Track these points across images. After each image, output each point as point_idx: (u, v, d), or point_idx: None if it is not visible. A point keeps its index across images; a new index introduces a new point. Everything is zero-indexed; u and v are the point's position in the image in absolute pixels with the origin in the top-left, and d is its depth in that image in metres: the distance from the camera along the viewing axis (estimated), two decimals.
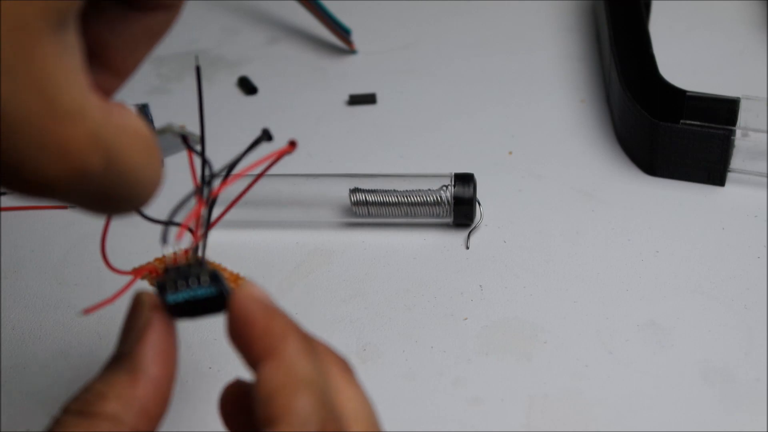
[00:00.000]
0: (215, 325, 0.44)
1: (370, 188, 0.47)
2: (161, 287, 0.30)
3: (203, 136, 0.33)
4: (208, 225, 0.33)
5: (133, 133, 0.26)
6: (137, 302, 0.30)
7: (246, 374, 0.42)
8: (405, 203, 0.47)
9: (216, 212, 0.34)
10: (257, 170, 0.33)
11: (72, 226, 0.50)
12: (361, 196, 0.47)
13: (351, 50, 0.62)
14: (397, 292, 0.45)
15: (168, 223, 0.31)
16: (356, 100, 0.58)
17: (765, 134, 0.48)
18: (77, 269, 0.47)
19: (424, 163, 0.53)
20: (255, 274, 0.46)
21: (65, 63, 0.23)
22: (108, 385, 0.29)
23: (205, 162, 0.32)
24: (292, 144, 0.32)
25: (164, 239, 0.30)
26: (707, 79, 0.57)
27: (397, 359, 0.42)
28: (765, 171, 0.49)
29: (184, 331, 0.43)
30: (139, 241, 0.47)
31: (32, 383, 0.41)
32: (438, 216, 0.48)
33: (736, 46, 0.61)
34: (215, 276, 0.30)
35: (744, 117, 0.48)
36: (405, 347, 0.42)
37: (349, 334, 0.43)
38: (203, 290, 0.30)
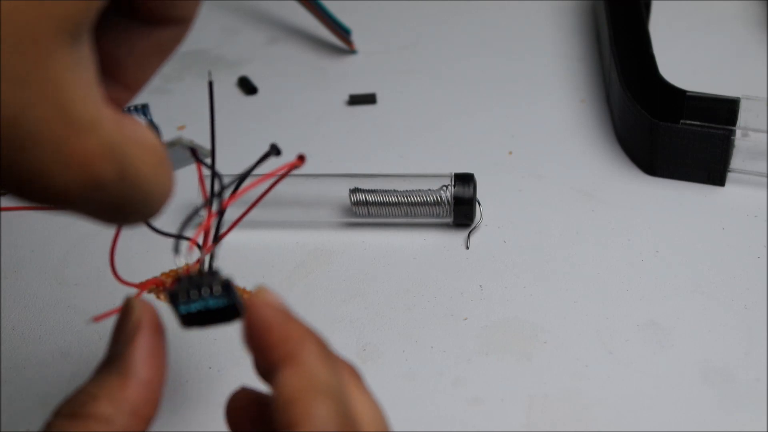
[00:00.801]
0: None
1: (370, 188, 0.47)
2: (173, 297, 0.30)
3: (214, 150, 0.33)
4: (218, 236, 0.33)
5: (145, 145, 0.26)
6: (127, 307, 0.31)
7: (246, 376, 0.42)
8: (405, 203, 0.47)
9: (220, 226, 0.34)
10: (265, 182, 0.34)
11: (72, 226, 0.50)
12: (361, 196, 0.47)
13: (351, 50, 0.62)
14: (397, 292, 0.45)
15: (178, 237, 0.31)
16: (356, 100, 0.58)
17: (765, 134, 0.48)
18: (77, 269, 0.47)
19: (424, 163, 0.53)
20: (255, 274, 0.46)
21: (79, 75, 0.23)
22: (99, 387, 0.29)
23: (215, 175, 0.32)
24: (301, 158, 0.33)
25: (176, 250, 0.31)
26: (707, 79, 0.57)
27: (397, 359, 0.42)
28: (765, 171, 0.49)
29: (184, 331, 0.43)
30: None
31: (32, 383, 0.41)
32: (438, 216, 0.48)
33: (736, 46, 0.61)
34: (227, 286, 0.30)
35: (744, 117, 0.48)
36: (405, 347, 0.42)
37: (349, 334, 0.43)
38: (215, 301, 0.30)
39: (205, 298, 0.30)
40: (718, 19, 0.64)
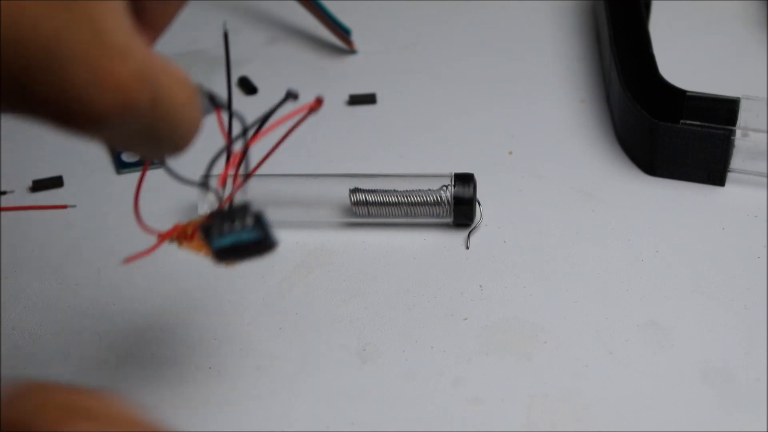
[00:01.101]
0: (215, 325, 0.44)
1: (370, 188, 0.47)
2: (207, 231, 0.31)
3: (230, 92, 0.34)
4: (244, 170, 0.34)
5: (176, 77, 0.27)
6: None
7: (246, 376, 0.42)
8: (405, 203, 0.47)
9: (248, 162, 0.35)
10: (283, 127, 0.35)
11: (72, 226, 0.50)
12: (361, 196, 0.47)
13: (351, 50, 0.62)
14: (397, 292, 0.45)
15: (202, 185, 0.32)
16: (356, 100, 0.58)
17: (765, 134, 0.48)
18: (77, 269, 0.47)
19: (424, 163, 0.53)
20: (255, 274, 0.46)
21: (111, 3, 0.24)
22: None
23: (232, 116, 0.33)
24: (319, 101, 0.34)
25: (205, 188, 0.31)
26: (707, 79, 0.57)
27: (397, 359, 0.42)
28: (765, 171, 0.49)
29: (184, 331, 0.43)
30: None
31: None
32: (438, 216, 0.48)
33: (736, 46, 0.61)
34: (259, 219, 0.31)
35: (744, 117, 0.48)
36: (405, 347, 0.42)
37: (349, 334, 0.43)
38: (248, 234, 0.31)
39: (238, 231, 0.31)
40: (718, 19, 0.64)
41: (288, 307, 0.45)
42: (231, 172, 0.34)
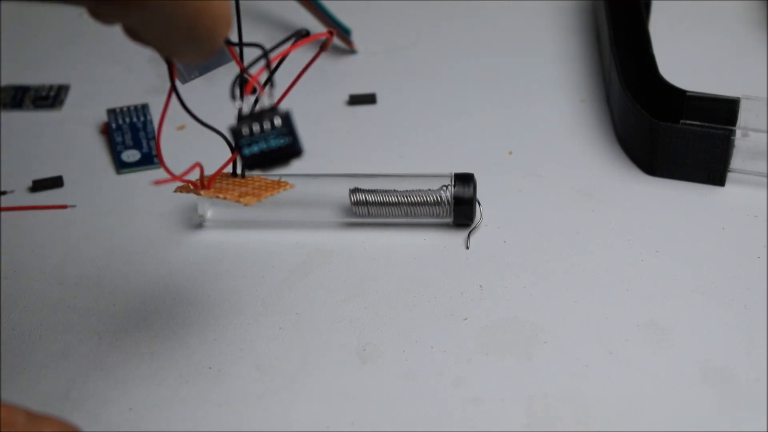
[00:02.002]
0: (215, 324, 0.44)
1: (370, 188, 0.47)
2: (236, 133, 0.33)
3: (239, 22, 0.37)
4: (269, 92, 0.35)
5: None
6: None
7: (246, 376, 0.42)
8: (405, 203, 0.47)
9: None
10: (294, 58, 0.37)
11: (72, 226, 0.50)
12: (361, 196, 0.47)
13: (351, 50, 0.62)
14: (397, 292, 0.45)
15: (219, 132, 0.35)
16: (356, 100, 0.58)
17: (765, 134, 0.48)
18: (77, 269, 0.47)
19: (424, 163, 0.53)
20: (255, 274, 0.46)
21: None
22: None
23: (243, 45, 0.36)
24: (331, 33, 0.37)
25: (233, 96, 0.34)
26: (707, 79, 0.57)
27: (397, 359, 0.42)
28: (765, 171, 0.49)
29: (184, 331, 0.43)
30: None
31: (32, 383, 0.41)
32: (438, 216, 0.48)
33: (736, 46, 0.61)
34: (287, 118, 0.33)
35: (744, 117, 0.48)
36: (405, 347, 0.42)
37: (349, 334, 0.43)
38: (276, 141, 0.33)
39: (267, 135, 0.33)
40: (718, 19, 0.64)
41: (288, 307, 0.45)
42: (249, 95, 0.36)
